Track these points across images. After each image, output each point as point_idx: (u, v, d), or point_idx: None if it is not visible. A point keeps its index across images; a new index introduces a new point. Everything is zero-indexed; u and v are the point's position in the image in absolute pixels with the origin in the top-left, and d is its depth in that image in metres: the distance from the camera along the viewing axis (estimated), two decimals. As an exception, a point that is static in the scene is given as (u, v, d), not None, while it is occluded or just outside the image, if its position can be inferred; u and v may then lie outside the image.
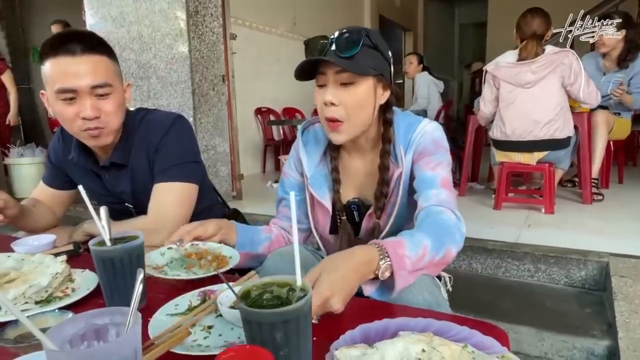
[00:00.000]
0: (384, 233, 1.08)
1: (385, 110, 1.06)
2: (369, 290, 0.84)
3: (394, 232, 1.08)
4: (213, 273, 0.88)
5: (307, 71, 1.00)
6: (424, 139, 1.03)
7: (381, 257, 0.80)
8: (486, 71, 2.89)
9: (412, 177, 1.05)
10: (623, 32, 3.11)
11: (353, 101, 0.97)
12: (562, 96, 2.66)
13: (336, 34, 0.96)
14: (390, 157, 1.06)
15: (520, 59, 2.72)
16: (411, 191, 1.05)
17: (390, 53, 1.04)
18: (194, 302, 0.81)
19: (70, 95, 1.12)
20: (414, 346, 0.55)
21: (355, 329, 0.63)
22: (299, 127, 1.20)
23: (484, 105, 2.95)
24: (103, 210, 0.81)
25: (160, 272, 0.90)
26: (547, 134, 2.66)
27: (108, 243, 0.79)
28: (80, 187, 0.85)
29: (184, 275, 0.89)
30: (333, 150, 1.13)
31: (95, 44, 1.14)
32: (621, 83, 3.15)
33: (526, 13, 2.76)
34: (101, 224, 0.79)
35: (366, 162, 1.11)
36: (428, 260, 0.86)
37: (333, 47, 0.94)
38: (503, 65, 2.77)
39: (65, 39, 1.11)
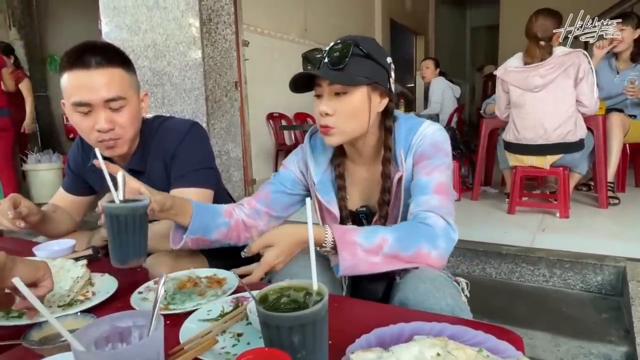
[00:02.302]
0: None
1: (385, 117, 1.08)
2: (333, 262, 0.96)
3: None
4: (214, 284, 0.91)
5: (305, 83, 1.03)
6: (423, 142, 1.04)
7: (326, 236, 0.91)
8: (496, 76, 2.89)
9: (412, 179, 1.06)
10: (638, 30, 3.17)
11: (346, 110, 0.99)
12: (573, 99, 2.62)
13: (330, 46, 0.99)
14: (392, 162, 1.07)
15: (525, 62, 2.70)
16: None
17: (389, 59, 1.04)
18: (227, 308, 0.83)
19: (85, 108, 1.15)
20: (429, 350, 0.56)
21: (370, 333, 0.64)
22: (307, 133, 1.22)
23: (498, 109, 2.95)
24: (120, 175, 0.88)
25: (172, 311, 0.84)
26: (558, 138, 2.63)
27: (117, 201, 0.86)
28: (96, 151, 0.91)
29: (208, 301, 0.86)
30: (337, 157, 1.14)
31: (111, 57, 1.16)
32: (632, 82, 3.13)
33: (532, 15, 2.74)
34: (111, 184, 0.88)
35: (370, 170, 1.13)
36: (390, 253, 0.90)
37: (326, 60, 0.98)
38: (511, 70, 2.75)
39: (82, 52, 1.13)
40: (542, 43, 2.65)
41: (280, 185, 1.20)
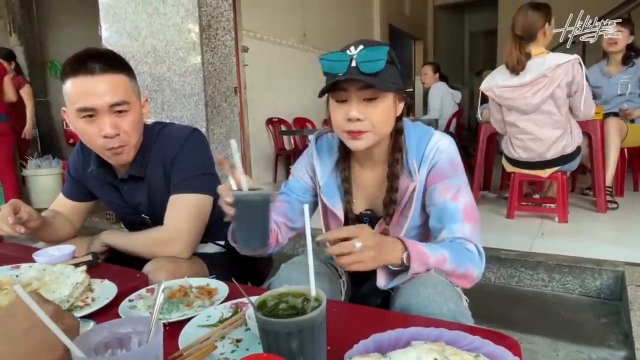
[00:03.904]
0: None
1: (397, 120, 1.07)
2: (383, 284, 0.93)
3: None
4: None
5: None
6: (440, 158, 1.03)
7: (405, 252, 0.90)
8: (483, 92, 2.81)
9: (424, 191, 1.06)
10: (632, 37, 3.20)
11: (378, 116, 0.98)
12: (567, 110, 2.58)
13: (356, 49, 0.95)
14: (404, 169, 1.07)
15: (507, 67, 2.59)
16: (424, 205, 1.07)
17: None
18: (226, 314, 0.83)
19: (90, 113, 1.15)
20: (426, 355, 0.56)
21: (368, 339, 0.64)
22: (312, 135, 1.21)
23: (494, 122, 2.90)
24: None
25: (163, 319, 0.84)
26: (556, 154, 2.61)
27: (246, 190, 0.84)
28: (232, 142, 0.86)
29: (195, 312, 0.86)
30: (344, 161, 1.14)
31: (114, 63, 1.18)
32: (626, 110, 3.16)
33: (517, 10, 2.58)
34: (240, 177, 0.85)
35: (377, 174, 1.13)
36: (450, 270, 0.93)
37: (354, 64, 0.94)
38: (502, 90, 2.62)
39: (85, 59, 1.14)
40: (522, 42, 2.50)
41: (292, 194, 1.19)
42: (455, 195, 1.01)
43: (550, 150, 2.60)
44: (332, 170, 1.15)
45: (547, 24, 2.53)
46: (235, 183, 0.85)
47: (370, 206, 1.15)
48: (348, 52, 0.95)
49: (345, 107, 0.99)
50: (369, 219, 1.13)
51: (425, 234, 1.14)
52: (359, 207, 1.15)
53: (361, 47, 0.95)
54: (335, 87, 0.98)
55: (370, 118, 0.98)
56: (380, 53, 0.94)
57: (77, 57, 1.16)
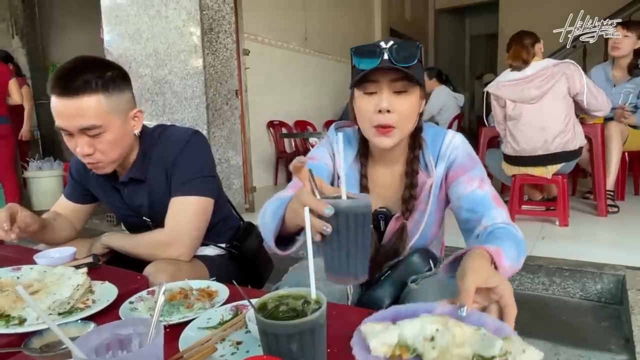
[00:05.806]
0: (412, 242, 1.11)
1: (418, 118, 1.09)
2: (445, 273, 0.84)
3: (421, 240, 1.12)
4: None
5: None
6: (457, 154, 1.06)
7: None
8: (487, 93, 2.89)
9: (441, 189, 1.08)
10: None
11: (406, 109, 1.00)
12: (569, 107, 2.62)
13: (387, 44, 0.96)
14: (420, 165, 1.09)
15: (513, 68, 2.74)
16: (440, 202, 1.09)
17: None
18: (226, 316, 0.83)
19: (66, 132, 1.17)
20: (430, 325, 0.58)
21: (387, 310, 0.63)
22: (331, 127, 1.20)
23: (497, 125, 2.93)
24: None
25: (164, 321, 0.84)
26: (559, 147, 2.62)
27: (344, 197, 0.66)
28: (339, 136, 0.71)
29: (195, 314, 0.86)
30: (364, 157, 1.14)
31: (90, 82, 1.13)
32: (621, 107, 3.12)
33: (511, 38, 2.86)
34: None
35: (391, 172, 1.14)
36: (514, 268, 0.85)
37: (386, 56, 0.95)
38: (505, 84, 2.75)
39: (62, 76, 1.13)
40: (526, 43, 2.70)
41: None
42: (481, 184, 1.02)
43: (555, 141, 2.62)
44: (351, 163, 1.15)
45: (538, 42, 2.77)
46: (319, 193, 0.67)
47: (384, 204, 1.15)
48: (382, 45, 0.96)
49: (375, 99, 0.99)
50: (384, 216, 1.13)
51: (438, 233, 1.17)
52: (373, 204, 1.14)
53: (392, 42, 0.96)
54: (366, 79, 0.98)
55: (399, 111, 0.98)
56: (413, 48, 0.96)
57: (58, 72, 1.15)
